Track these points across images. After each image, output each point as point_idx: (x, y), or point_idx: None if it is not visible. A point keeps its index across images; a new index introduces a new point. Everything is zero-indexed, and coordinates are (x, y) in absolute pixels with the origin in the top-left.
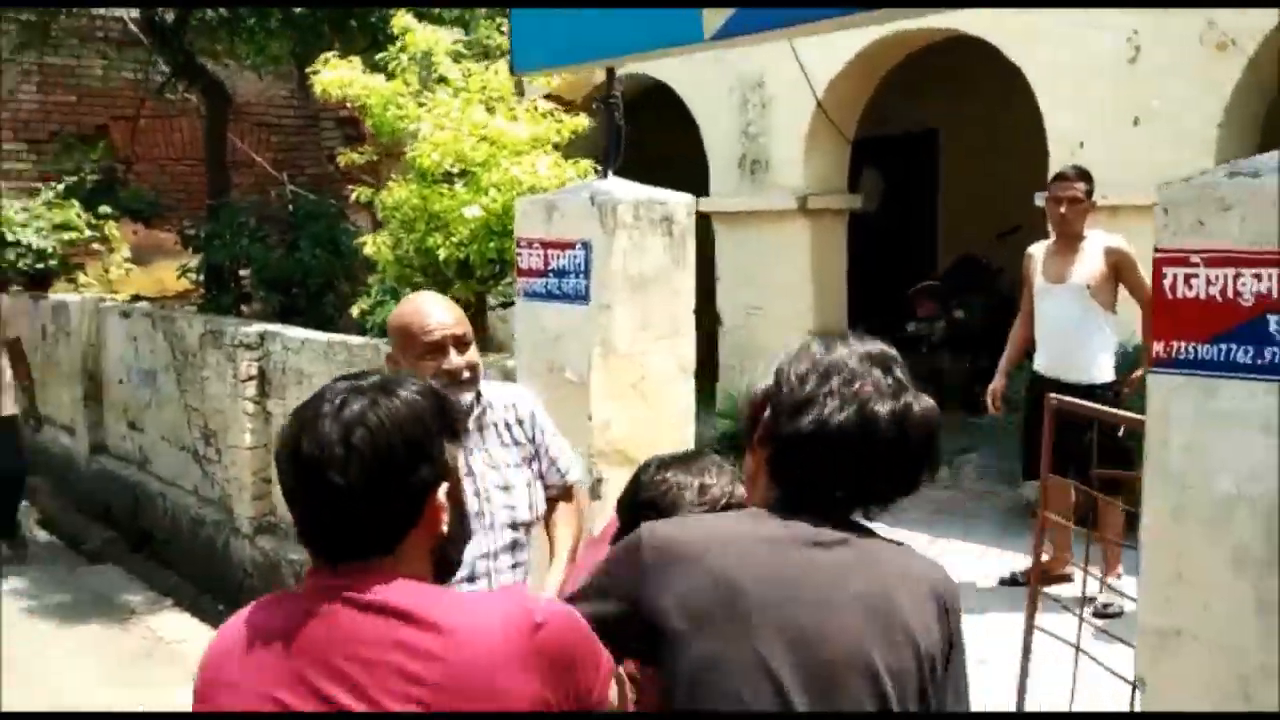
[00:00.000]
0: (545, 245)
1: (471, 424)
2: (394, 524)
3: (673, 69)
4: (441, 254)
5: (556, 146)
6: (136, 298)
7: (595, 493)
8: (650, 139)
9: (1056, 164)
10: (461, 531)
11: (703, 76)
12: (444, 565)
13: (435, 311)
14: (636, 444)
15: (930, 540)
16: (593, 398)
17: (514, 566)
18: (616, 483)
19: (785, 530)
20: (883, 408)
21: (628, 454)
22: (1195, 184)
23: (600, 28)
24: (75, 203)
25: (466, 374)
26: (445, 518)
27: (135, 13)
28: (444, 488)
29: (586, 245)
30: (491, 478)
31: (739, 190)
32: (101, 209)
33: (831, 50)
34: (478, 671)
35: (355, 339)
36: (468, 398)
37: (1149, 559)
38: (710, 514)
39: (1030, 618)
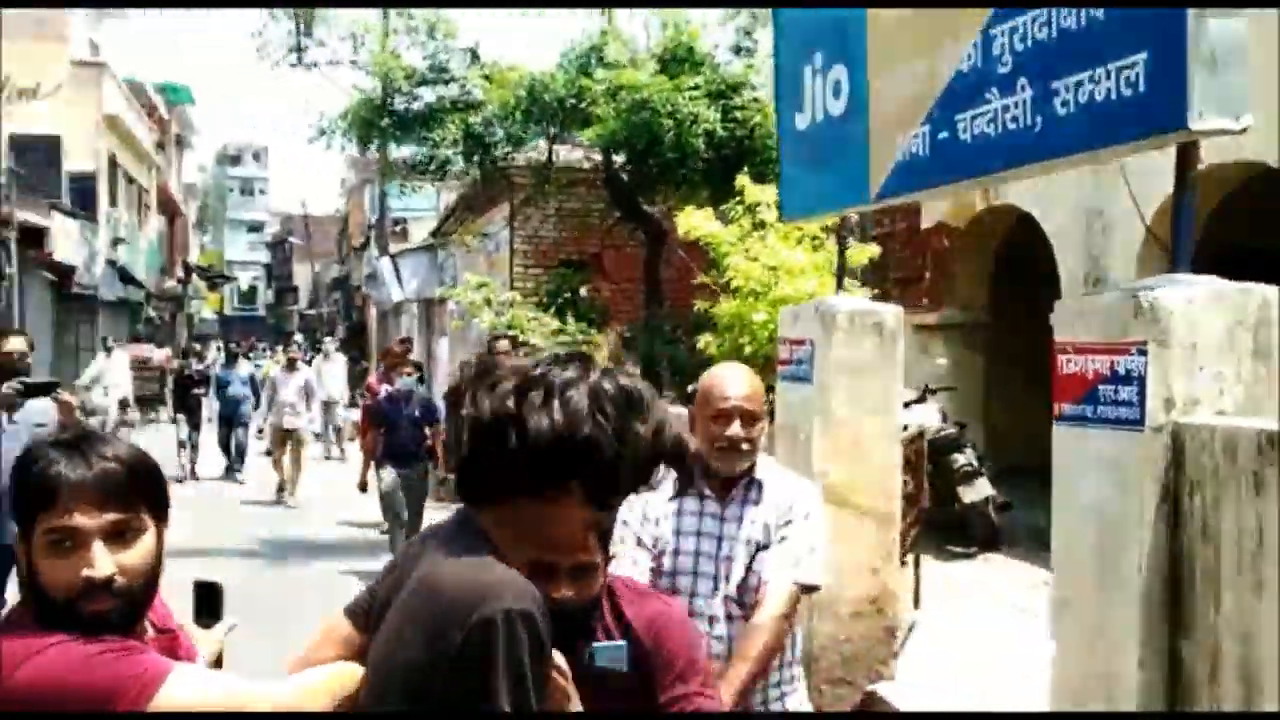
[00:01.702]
0: (791, 343)
1: (737, 491)
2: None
3: (1034, 198)
4: (747, 350)
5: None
6: None
7: None
8: (1029, 257)
9: None
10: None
11: (1056, 204)
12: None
13: (733, 383)
14: (850, 489)
15: None
16: (814, 453)
17: (717, 637)
18: (833, 518)
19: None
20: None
21: (843, 497)
22: (1069, 301)
23: (820, 189)
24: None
25: (745, 445)
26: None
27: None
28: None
29: (812, 343)
30: (722, 546)
31: None
32: (575, 317)
33: (1157, 180)
34: None
35: None
36: (741, 465)
37: (1055, 551)
38: None
39: None
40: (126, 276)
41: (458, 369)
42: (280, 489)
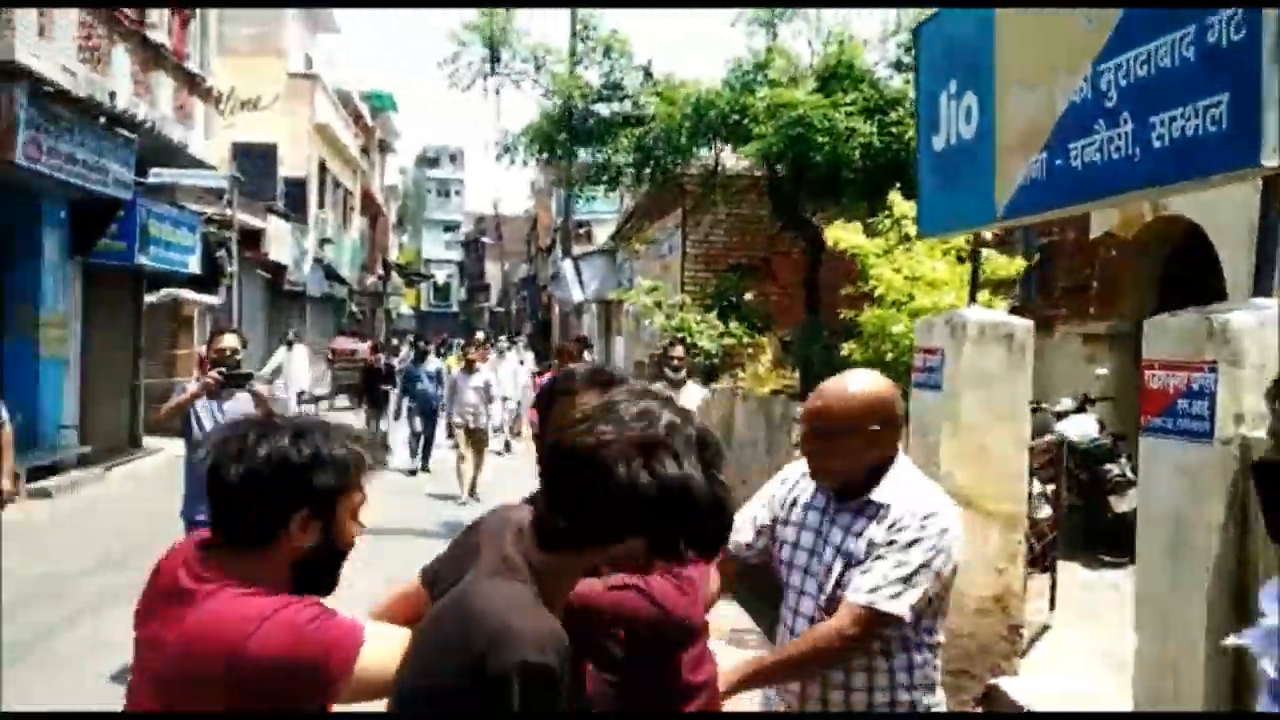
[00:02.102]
0: (924, 351)
1: (853, 501)
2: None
3: (1202, 210)
4: (889, 357)
5: (993, 282)
6: (776, 392)
7: None
8: (1197, 269)
9: None
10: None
11: (1224, 216)
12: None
13: (811, 399)
14: (976, 492)
15: None
16: (942, 456)
17: None
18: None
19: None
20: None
21: (969, 498)
22: (1157, 320)
23: (953, 207)
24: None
25: (810, 462)
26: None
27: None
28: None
29: (943, 352)
30: (825, 552)
31: None
32: (736, 320)
33: None
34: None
35: None
36: (823, 484)
37: (1139, 552)
38: None
39: None
40: (332, 274)
41: (634, 368)
42: (471, 489)
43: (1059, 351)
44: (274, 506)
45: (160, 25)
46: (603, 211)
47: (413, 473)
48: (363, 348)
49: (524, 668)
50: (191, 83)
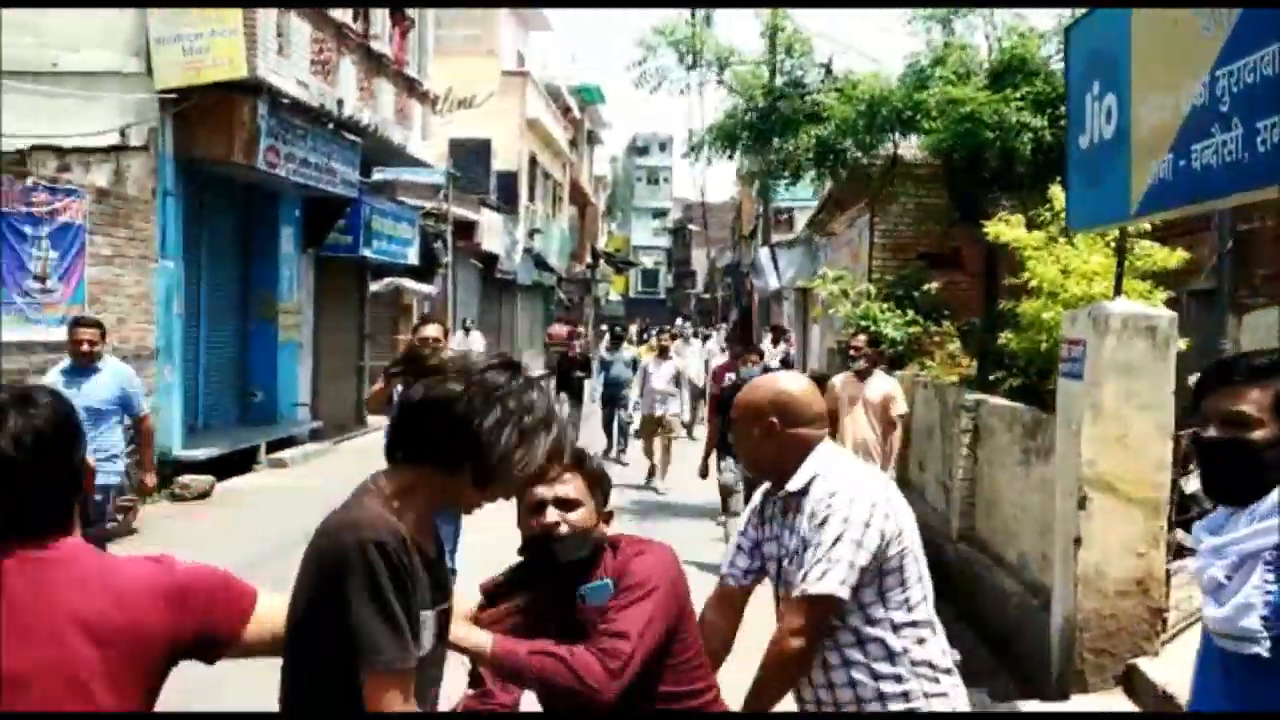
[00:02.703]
0: (1069, 342)
1: (793, 499)
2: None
3: None
4: (1043, 347)
5: (1155, 275)
6: (967, 381)
7: (1081, 505)
8: None
9: None
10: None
11: None
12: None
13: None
14: (1116, 478)
15: None
16: (1083, 443)
17: None
18: (1099, 502)
19: None
20: None
21: (1109, 484)
22: (1256, 314)
23: (1096, 203)
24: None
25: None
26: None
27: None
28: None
29: (1084, 343)
30: (779, 553)
31: None
32: (913, 309)
33: None
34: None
35: (1016, 405)
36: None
37: None
38: None
39: None
40: (541, 263)
41: (826, 355)
42: (650, 474)
43: (1259, 341)
44: (75, 471)
45: (382, 36)
46: (804, 200)
47: (605, 457)
48: None
49: (361, 543)
50: (410, 87)
